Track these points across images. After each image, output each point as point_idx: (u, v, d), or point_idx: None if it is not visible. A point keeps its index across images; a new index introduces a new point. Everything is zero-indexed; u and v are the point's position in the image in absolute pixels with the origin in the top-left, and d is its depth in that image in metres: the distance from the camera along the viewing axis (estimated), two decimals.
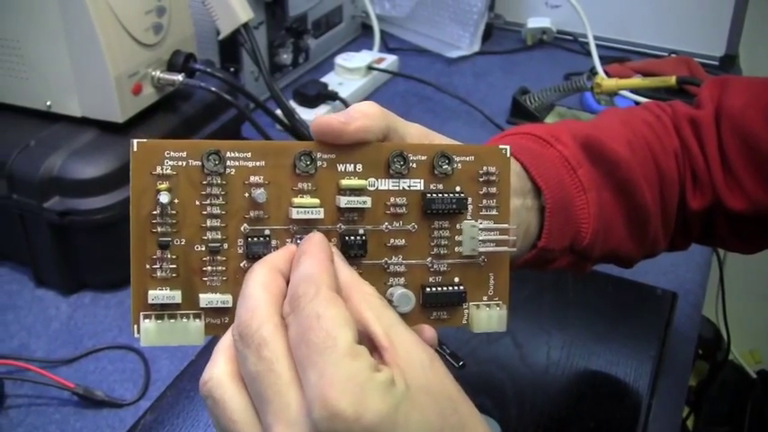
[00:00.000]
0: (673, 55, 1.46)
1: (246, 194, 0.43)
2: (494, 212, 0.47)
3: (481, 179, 0.47)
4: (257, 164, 0.43)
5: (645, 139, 0.64)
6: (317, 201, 0.44)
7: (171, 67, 0.92)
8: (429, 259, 0.46)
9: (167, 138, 0.90)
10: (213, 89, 0.94)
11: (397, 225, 0.46)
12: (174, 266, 0.43)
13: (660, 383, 0.76)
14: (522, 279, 0.86)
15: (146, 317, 0.42)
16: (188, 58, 0.92)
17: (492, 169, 0.47)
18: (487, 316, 0.47)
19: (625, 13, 1.52)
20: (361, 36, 1.58)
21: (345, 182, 0.44)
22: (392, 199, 0.45)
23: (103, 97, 0.86)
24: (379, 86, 1.39)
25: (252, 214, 0.43)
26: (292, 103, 1.22)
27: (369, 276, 0.44)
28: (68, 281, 0.89)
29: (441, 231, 0.46)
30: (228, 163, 0.43)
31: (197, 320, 0.43)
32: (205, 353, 0.78)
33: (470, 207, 0.47)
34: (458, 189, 0.46)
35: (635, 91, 1.26)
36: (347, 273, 0.42)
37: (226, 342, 0.40)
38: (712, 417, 1.83)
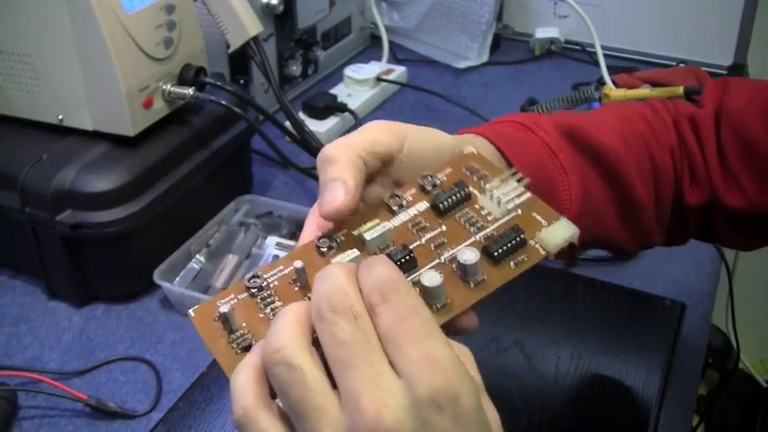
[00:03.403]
0: (681, 65, 1.46)
1: (296, 287, 0.46)
2: (496, 182, 0.49)
3: (467, 174, 0.51)
4: (294, 266, 0.46)
5: (640, 133, 0.65)
6: (354, 250, 0.46)
7: (181, 80, 0.92)
8: (474, 237, 0.47)
9: (178, 149, 0.91)
10: (223, 102, 0.95)
11: (428, 235, 0.47)
12: None
13: (669, 393, 0.76)
14: (531, 290, 0.86)
15: None
16: (198, 72, 0.93)
17: (471, 165, 0.51)
18: (553, 230, 0.47)
19: (633, 22, 1.52)
20: (370, 47, 1.59)
21: (364, 231, 0.47)
22: (409, 225, 0.48)
23: (115, 111, 0.87)
24: (387, 97, 1.40)
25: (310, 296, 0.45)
26: (302, 115, 1.23)
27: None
28: (81, 293, 0.90)
29: (465, 215, 0.48)
30: (269, 280, 0.46)
31: None
32: (216, 364, 0.79)
33: (475, 190, 0.49)
34: (453, 185, 0.49)
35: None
36: None
37: (293, 316, 0.40)
38: (723, 426, 1.82)
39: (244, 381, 0.40)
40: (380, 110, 1.36)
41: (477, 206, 0.49)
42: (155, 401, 0.78)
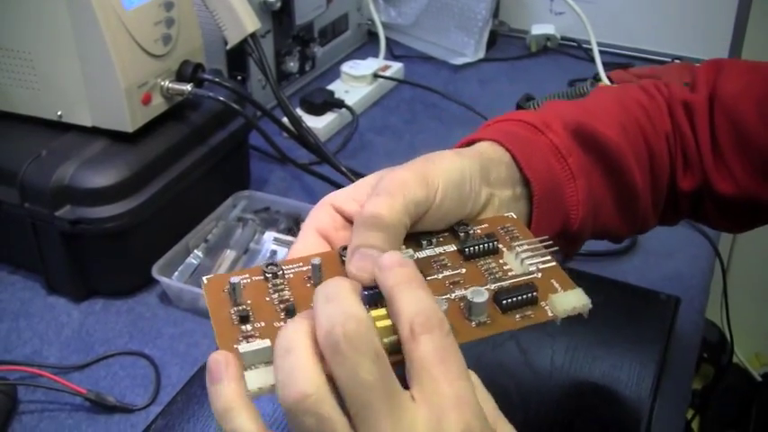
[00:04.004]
0: (676, 61, 1.47)
1: (309, 284, 0.47)
2: (525, 244, 0.51)
3: (501, 232, 0.52)
4: (312, 262, 0.47)
5: (637, 121, 0.65)
6: None
7: (180, 77, 0.93)
8: (488, 285, 0.48)
9: (177, 145, 0.92)
10: (221, 98, 0.95)
11: (447, 272, 0.49)
12: (259, 334, 0.44)
13: (663, 387, 0.77)
14: None
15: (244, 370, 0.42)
16: (196, 68, 0.94)
17: (508, 226, 0.53)
18: (566, 296, 0.48)
19: (629, 19, 1.53)
20: (367, 44, 1.59)
21: None
22: (432, 260, 0.49)
23: (113, 107, 0.87)
24: (384, 94, 1.41)
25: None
26: (299, 111, 1.23)
27: None
28: (80, 288, 0.91)
29: (487, 265, 0.50)
30: (286, 271, 0.47)
31: None
32: None
33: (504, 247, 0.51)
34: (484, 236, 0.51)
35: None
36: None
37: (308, 346, 0.39)
38: (718, 419, 1.84)
39: (244, 421, 0.40)
40: (377, 106, 1.37)
41: (501, 261, 0.50)
42: (153, 395, 0.79)
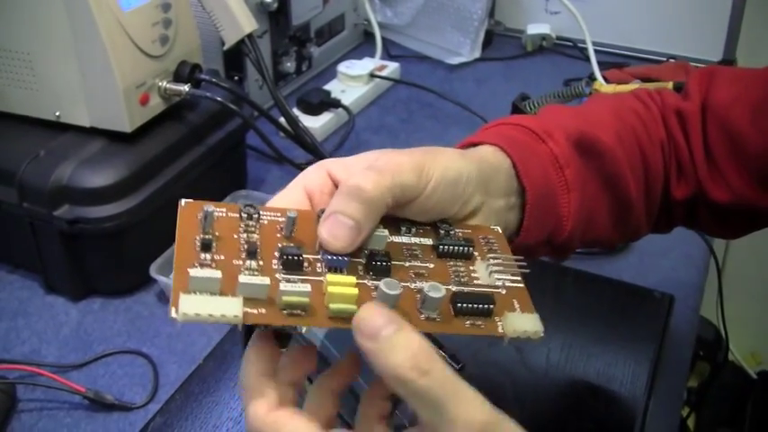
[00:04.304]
0: (671, 60, 1.47)
1: (279, 234, 0.47)
2: (500, 258, 0.50)
3: (482, 240, 0.52)
4: (287, 215, 0.47)
5: (633, 130, 0.65)
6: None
7: (177, 77, 0.93)
8: (452, 286, 0.48)
9: (175, 145, 0.92)
10: (218, 99, 0.95)
11: (415, 263, 0.49)
12: (215, 266, 0.44)
13: (658, 385, 0.77)
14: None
15: (186, 293, 0.42)
16: (194, 69, 0.94)
17: (490, 237, 0.53)
18: (521, 318, 0.47)
19: (623, 18, 1.54)
20: (364, 44, 1.60)
21: None
22: (404, 248, 0.49)
23: (112, 108, 0.87)
24: (381, 93, 1.41)
25: (284, 244, 0.46)
26: (296, 111, 1.24)
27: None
28: (78, 287, 0.91)
29: (456, 267, 0.50)
30: (262, 216, 0.48)
31: (237, 298, 0.43)
32: (212, 357, 0.80)
33: (478, 255, 0.51)
34: (462, 239, 0.51)
35: None
36: None
37: None
38: (713, 417, 1.84)
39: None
40: (374, 106, 1.37)
41: (471, 267, 0.50)
42: (152, 394, 0.79)
